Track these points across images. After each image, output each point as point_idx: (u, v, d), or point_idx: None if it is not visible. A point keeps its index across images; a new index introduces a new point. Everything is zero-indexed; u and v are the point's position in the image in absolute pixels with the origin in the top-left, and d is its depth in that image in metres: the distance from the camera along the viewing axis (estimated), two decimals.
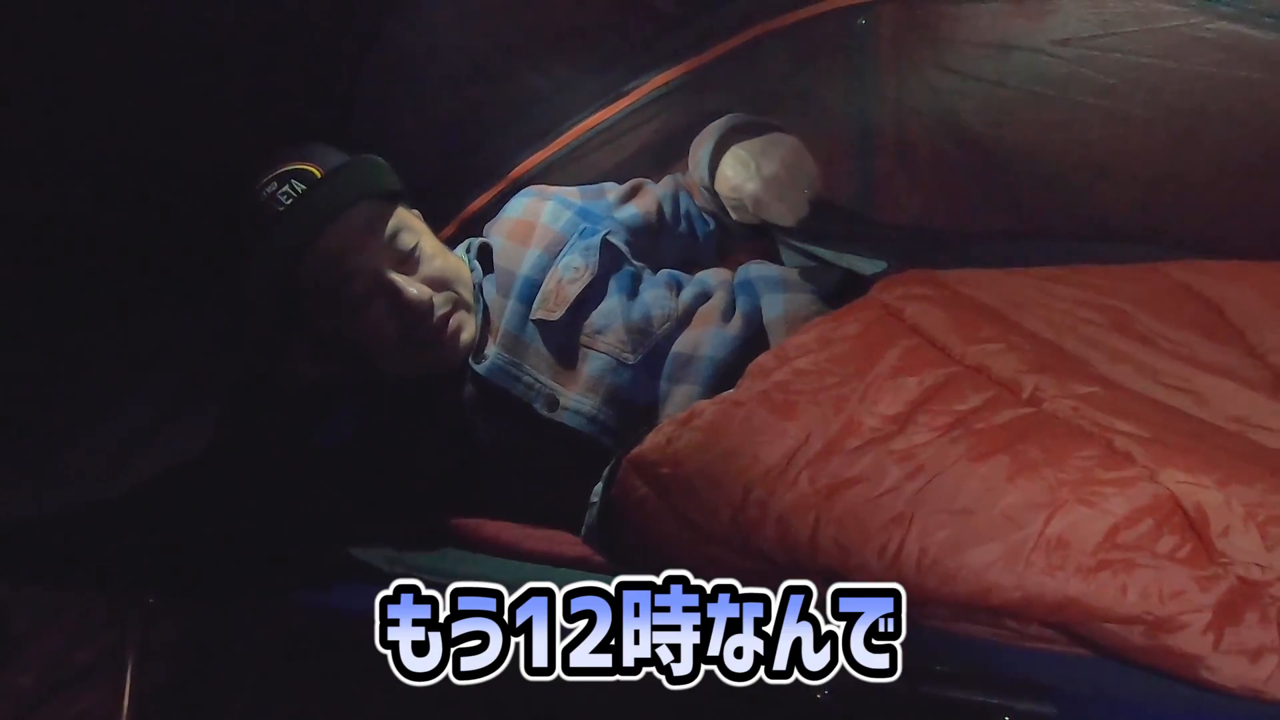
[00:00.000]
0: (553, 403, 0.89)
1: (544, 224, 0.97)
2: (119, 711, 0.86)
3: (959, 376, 0.70)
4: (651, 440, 0.72)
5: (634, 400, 0.88)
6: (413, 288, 0.87)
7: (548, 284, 0.92)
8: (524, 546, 0.86)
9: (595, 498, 0.75)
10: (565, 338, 0.91)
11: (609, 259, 0.94)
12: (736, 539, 0.65)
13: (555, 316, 0.90)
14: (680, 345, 0.90)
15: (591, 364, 0.89)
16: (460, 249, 1.02)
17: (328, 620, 0.93)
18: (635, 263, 0.98)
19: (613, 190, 1.05)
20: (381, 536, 0.86)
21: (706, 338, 0.89)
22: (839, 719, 0.51)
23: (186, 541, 0.86)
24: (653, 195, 1.05)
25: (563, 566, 0.82)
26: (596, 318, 0.91)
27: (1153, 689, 0.51)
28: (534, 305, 0.92)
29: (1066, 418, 0.65)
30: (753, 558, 0.64)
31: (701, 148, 0.99)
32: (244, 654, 1.04)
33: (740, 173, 0.93)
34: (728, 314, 0.92)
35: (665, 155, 1.12)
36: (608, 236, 0.95)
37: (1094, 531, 0.56)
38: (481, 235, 1.04)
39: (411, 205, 0.96)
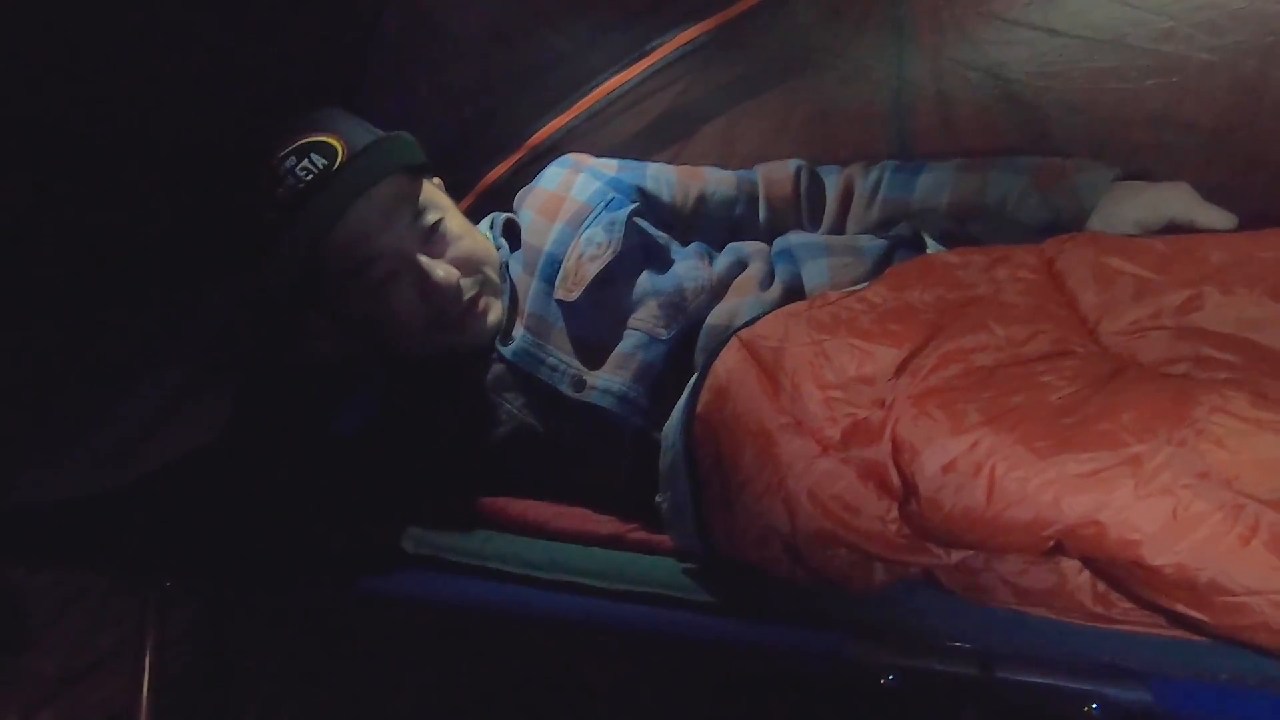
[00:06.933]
0: (580, 383, 0.86)
1: (572, 196, 0.94)
2: (140, 697, 0.85)
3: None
4: (766, 322, 0.73)
5: (666, 375, 0.84)
6: (440, 269, 0.84)
7: (568, 261, 0.89)
8: (552, 525, 0.83)
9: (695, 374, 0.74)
10: (590, 316, 0.87)
11: (634, 234, 0.91)
12: (825, 423, 0.64)
13: (573, 297, 0.87)
14: (715, 317, 0.85)
15: (622, 341, 0.86)
16: (484, 224, 0.98)
17: (348, 603, 0.91)
18: (661, 235, 0.94)
19: (656, 167, 1.02)
20: (405, 518, 0.84)
21: (744, 307, 0.85)
22: (906, 703, 0.47)
23: (203, 527, 0.84)
24: (701, 183, 1.01)
25: (594, 546, 0.79)
26: (625, 294, 0.87)
27: (1256, 672, 0.46)
28: (555, 284, 0.88)
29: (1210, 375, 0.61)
30: (831, 450, 0.63)
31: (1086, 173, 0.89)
32: (264, 639, 1.03)
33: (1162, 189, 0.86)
34: (766, 282, 0.89)
35: (689, 121, 1.06)
36: (634, 216, 0.91)
37: (1221, 463, 0.50)
38: (501, 205, 1.01)
39: (433, 174, 0.93)
